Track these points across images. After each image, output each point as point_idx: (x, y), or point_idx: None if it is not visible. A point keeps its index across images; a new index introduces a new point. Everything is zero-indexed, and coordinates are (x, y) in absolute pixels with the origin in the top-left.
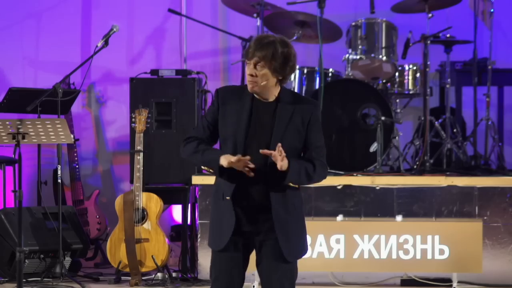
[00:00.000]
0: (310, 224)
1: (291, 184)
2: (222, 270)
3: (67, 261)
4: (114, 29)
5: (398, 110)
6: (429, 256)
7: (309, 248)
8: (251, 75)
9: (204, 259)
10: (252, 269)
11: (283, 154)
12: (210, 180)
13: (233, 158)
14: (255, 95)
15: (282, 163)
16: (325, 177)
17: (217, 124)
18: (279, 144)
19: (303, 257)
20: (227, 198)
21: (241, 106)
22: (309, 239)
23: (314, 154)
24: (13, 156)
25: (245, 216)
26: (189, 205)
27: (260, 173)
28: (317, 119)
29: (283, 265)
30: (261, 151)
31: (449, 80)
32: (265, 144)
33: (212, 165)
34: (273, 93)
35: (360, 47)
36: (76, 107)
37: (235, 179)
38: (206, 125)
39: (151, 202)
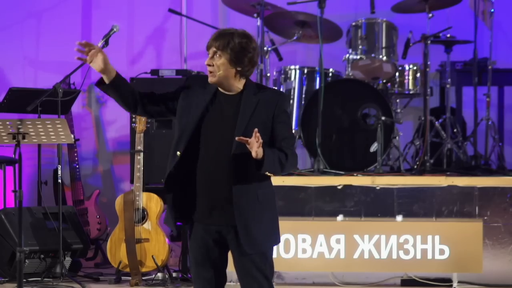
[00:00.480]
0: (311, 224)
1: (267, 173)
2: (196, 263)
3: (67, 261)
4: (114, 29)
5: (398, 110)
6: (429, 256)
7: (310, 248)
8: (208, 65)
9: None
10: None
11: (260, 140)
12: None
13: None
14: (218, 88)
15: (258, 150)
16: (296, 166)
17: (169, 100)
18: (256, 130)
19: (304, 256)
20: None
21: (202, 97)
22: (309, 239)
23: (284, 144)
24: (13, 156)
25: (206, 210)
26: None
27: (224, 165)
28: (283, 110)
29: (251, 256)
30: (237, 138)
31: (449, 80)
32: (228, 136)
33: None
34: (236, 86)
35: (360, 47)
36: (76, 107)
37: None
38: (159, 93)
39: (151, 202)
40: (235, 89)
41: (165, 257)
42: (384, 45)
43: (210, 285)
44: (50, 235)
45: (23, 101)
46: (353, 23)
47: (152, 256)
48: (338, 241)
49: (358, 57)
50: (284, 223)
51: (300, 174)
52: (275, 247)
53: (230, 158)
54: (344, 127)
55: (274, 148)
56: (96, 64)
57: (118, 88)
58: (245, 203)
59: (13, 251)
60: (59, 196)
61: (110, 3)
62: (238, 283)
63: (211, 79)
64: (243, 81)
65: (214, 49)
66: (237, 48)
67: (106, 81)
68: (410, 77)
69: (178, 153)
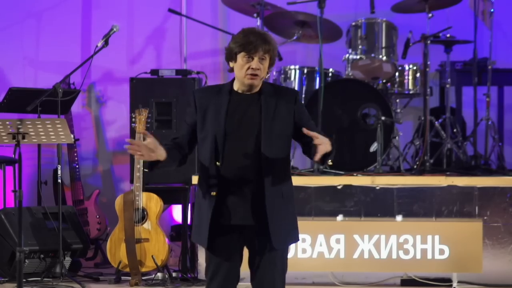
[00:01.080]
0: (310, 224)
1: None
2: (218, 268)
3: (67, 261)
4: (114, 29)
5: (398, 110)
6: (429, 256)
7: (309, 248)
8: (257, 69)
9: (204, 259)
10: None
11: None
12: None
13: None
14: (235, 88)
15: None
16: None
17: (195, 127)
18: (306, 130)
19: (304, 256)
20: (213, 194)
21: (218, 103)
22: (309, 239)
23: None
24: (13, 156)
25: (235, 210)
26: (189, 205)
27: (251, 164)
28: (301, 103)
29: (272, 253)
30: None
31: (449, 80)
32: (254, 135)
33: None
34: (259, 86)
35: (360, 47)
36: (76, 107)
37: (223, 173)
38: (186, 129)
39: (151, 202)
40: (256, 89)
41: (165, 257)
42: (384, 45)
43: (228, 283)
44: (50, 235)
45: (23, 101)
46: (353, 23)
47: (152, 256)
48: (338, 241)
49: (358, 57)
50: None
51: (300, 174)
52: None
53: (257, 157)
54: (344, 127)
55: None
56: (150, 156)
57: (170, 158)
58: (274, 200)
59: (13, 251)
60: (59, 196)
61: (110, 3)
62: (249, 283)
63: (252, 82)
64: None
65: (262, 53)
66: (276, 51)
67: (161, 158)
68: (410, 77)
69: (218, 163)
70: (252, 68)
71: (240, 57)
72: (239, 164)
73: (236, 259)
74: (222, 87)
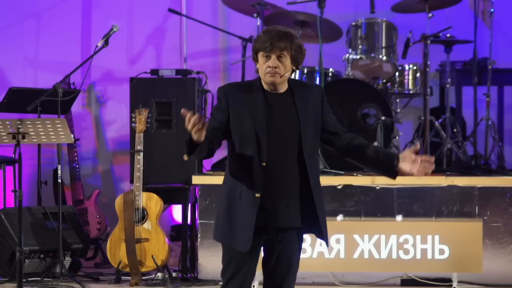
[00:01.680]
0: None
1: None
2: (239, 270)
3: (67, 261)
4: (114, 29)
5: (398, 110)
6: (429, 256)
7: (309, 248)
8: (275, 67)
9: (204, 259)
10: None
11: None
12: (211, 180)
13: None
14: (265, 88)
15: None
16: None
17: (228, 124)
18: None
19: (304, 256)
20: (257, 195)
21: (253, 101)
22: (309, 239)
23: (342, 129)
24: (13, 156)
25: (280, 212)
26: (189, 205)
27: (293, 164)
28: (326, 100)
29: (296, 254)
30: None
31: (449, 80)
32: (293, 134)
33: (188, 145)
34: (285, 84)
35: (360, 47)
36: (76, 107)
37: (262, 176)
38: (216, 126)
39: (151, 202)
40: (284, 88)
41: (165, 257)
42: (384, 45)
43: (247, 284)
44: (50, 235)
45: (23, 101)
46: (353, 23)
47: (152, 256)
48: (338, 241)
49: (358, 57)
50: None
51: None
52: None
53: (299, 157)
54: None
55: (374, 148)
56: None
57: (206, 144)
58: (320, 198)
59: (13, 251)
60: (59, 196)
61: (110, 3)
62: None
63: (275, 80)
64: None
65: (279, 51)
66: (297, 48)
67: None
68: (410, 77)
69: (264, 163)
70: (269, 67)
71: (260, 57)
72: (279, 164)
73: (256, 260)
74: (252, 84)
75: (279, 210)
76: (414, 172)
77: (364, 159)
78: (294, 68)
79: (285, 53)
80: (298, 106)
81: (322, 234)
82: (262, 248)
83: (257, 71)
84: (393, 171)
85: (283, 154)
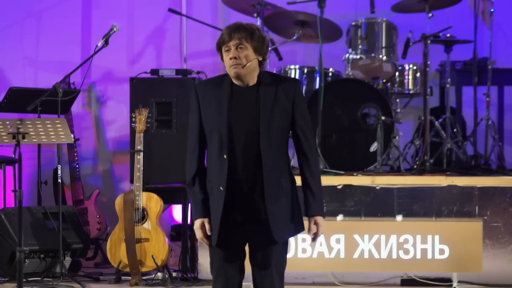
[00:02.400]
0: None
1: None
2: (222, 266)
3: (67, 261)
4: (114, 29)
5: (398, 110)
6: (429, 256)
7: (309, 248)
8: (235, 58)
9: (204, 258)
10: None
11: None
12: None
13: (199, 234)
14: (234, 81)
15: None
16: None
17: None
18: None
19: (304, 256)
20: (221, 189)
21: (220, 95)
22: (309, 238)
23: (306, 145)
24: (13, 156)
25: (241, 206)
26: (189, 204)
27: (252, 158)
28: (301, 94)
29: (272, 248)
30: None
31: (449, 80)
32: (254, 128)
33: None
34: (255, 77)
35: (360, 47)
36: (76, 107)
37: (225, 170)
38: (196, 131)
39: (151, 202)
40: (253, 81)
41: (165, 257)
42: (384, 44)
43: (234, 280)
44: (50, 235)
45: (23, 101)
46: (353, 23)
47: (152, 256)
48: (338, 241)
49: (358, 56)
50: None
51: (300, 174)
52: None
53: (257, 150)
54: (344, 127)
55: (309, 187)
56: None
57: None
58: (274, 192)
59: (13, 251)
60: (59, 196)
61: (110, 3)
62: (251, 283)
63: (238, 71)
64: (258, 71)
65: (237, 40)
66: (260, 38)
67: None
68: (410, 77)
69: (225, 156)
70: (230, 58)
71: (223, 52)
72: (240, 158)
73: (241, 255)
74: (223, 79)
75: (242, 204)
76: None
77: (302, 176)
78: (260, 59)
79: (244, 43)
80: (261, 99)
81: (273, 231)
82: (245, 242)
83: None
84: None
85: (244, 148)
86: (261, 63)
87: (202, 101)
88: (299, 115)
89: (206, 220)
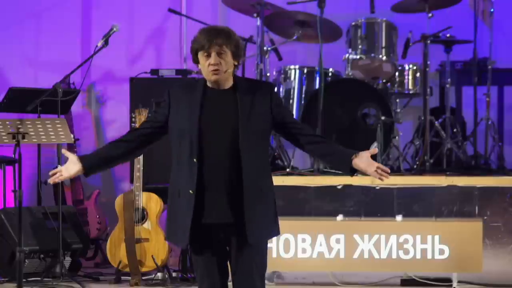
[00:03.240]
0: (310, 224)
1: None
2: (204, 270)
3: (67, 261)
4: (114, 29)
5: (398, 110)
6: (429, 256)
7: (309, 248)
8: (216, 64)
9: None
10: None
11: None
12: None
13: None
14: (209, 84)
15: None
16: None
17: (164, 125)
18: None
19: (304, 256)
20: (191, 192)
21: (193, 98)
22: (309, 239)
23: (306, 131)
24: (13, 156)
25: (213, 209)
26: None
27: (229, 160)
28: (277, 96)
29: (249, 251)
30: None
31: (449, 80)
32: (230, 131)
33: None
34: (230, 80)
35: (360, 47)
36: (76, 107)
37: (196, 171)
38: (151, 124)
39: (151, 202)
40: (228, 84)
41: (165, 257)
42: (384, 44)
43: (219, 282)
44: (50, 235)
45: (23, 101)
46: (353, 23)
47: (152, 256)
48: (338, 241)
49: (358, 56)
50: (284, 223)
51: (300, 174)
52: (275, 247)
53: (235, 154)
54: (344, 127)
55: (332, 147)
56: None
57: (103, 165)
58: (253, 195)
59: (13, 251)
60: (59, 196)
61: (110, 3)
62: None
63: (216, 77)
64: (232, 74)
65: (218, 47)
66: (236, 42)
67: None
68: (410, 77)
69: (195, 160)
70: (211, 65)
71: (200, 57)
72: (216, 161)
73: (222, 257)
74: (197, 83)
75: (211, 207)
76: (370, 173)
77: (321, 150)
78: (236, 63)
79: (225, 48)
80: (239, 101)
81: (251, 234)
82: (225, 244)
83: (199, 72)
84: (348, 166)
85: (217, 150)
86: (237, 67)
87: (174, 104)
88: (280, 114)
89: (75, 159)
